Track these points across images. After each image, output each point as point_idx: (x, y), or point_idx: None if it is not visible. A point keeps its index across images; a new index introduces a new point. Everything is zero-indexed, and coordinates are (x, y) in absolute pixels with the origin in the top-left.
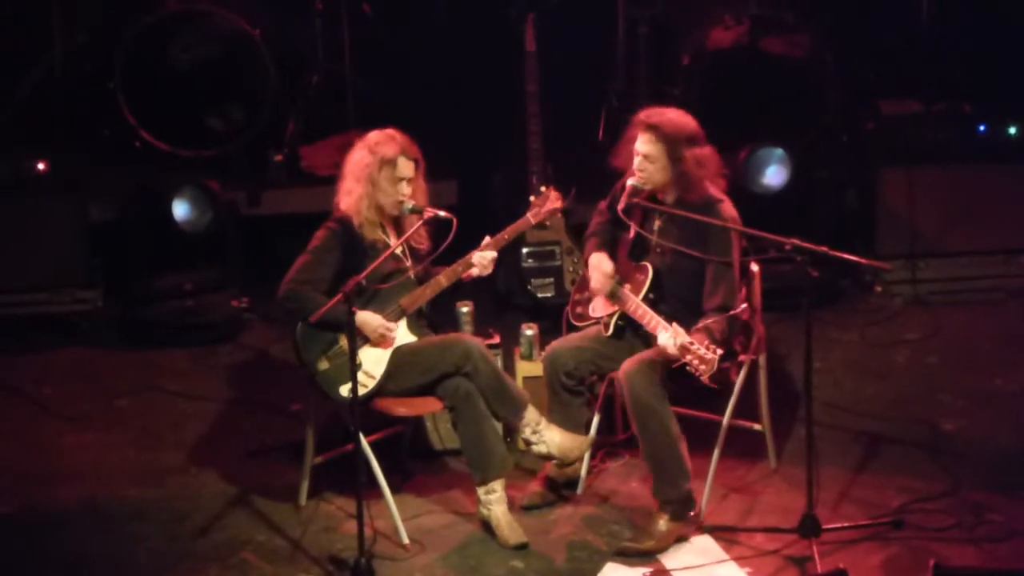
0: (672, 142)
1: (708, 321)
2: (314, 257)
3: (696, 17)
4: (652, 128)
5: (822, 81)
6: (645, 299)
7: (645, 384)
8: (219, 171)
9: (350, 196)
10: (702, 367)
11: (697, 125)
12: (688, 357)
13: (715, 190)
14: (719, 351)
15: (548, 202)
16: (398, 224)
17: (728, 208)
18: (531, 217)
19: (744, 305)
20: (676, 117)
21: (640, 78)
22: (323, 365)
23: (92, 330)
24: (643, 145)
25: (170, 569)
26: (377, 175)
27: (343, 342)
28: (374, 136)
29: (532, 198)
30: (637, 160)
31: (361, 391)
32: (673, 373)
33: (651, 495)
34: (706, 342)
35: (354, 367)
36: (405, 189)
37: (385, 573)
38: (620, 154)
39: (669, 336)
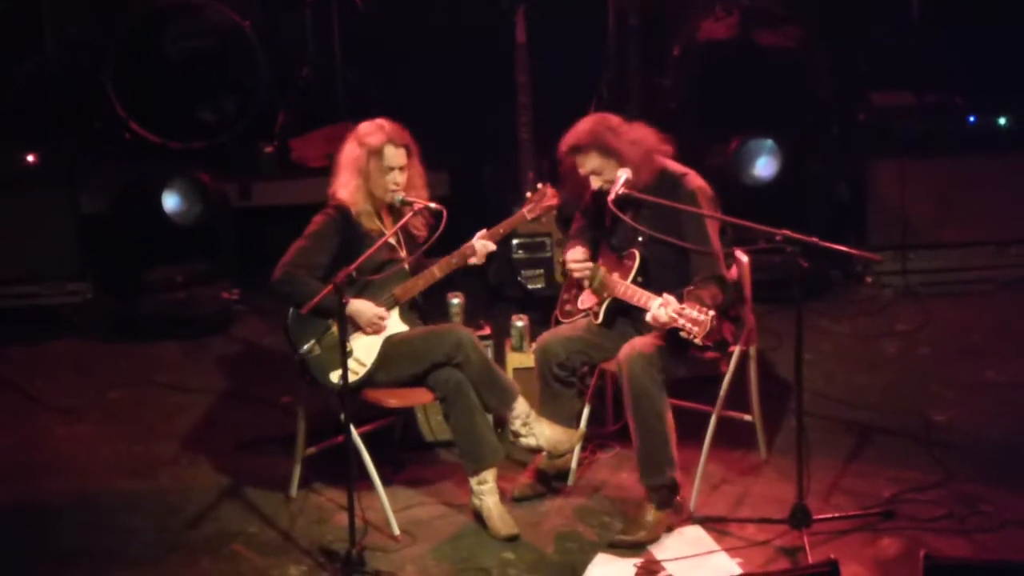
0: (600, 146)
1: (697, 288)
2: (311, 242)
3: (686, 9)
4: (576, 149)
5: (813, 72)
6: (634, 283)
7: (644, 368)
8: (210, 163)
9: (347, 188)
10: (695, 328)
11: (607, 115)
12: (681, 322)
13: (671, 163)
14: (711, 312)
15: (545, 199)
16: (395, 213)
17: (693, 179)
18: (527, 212)
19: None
20: (586, 124)
21: (630, 70)
22: (315, 351)
23: (83, 322)
24: (583, 166)
25: (161, 561)
26: (367, 166)
27: (335, 329)
28: (363, 127)
29: (528, 194)
30: (592, 180)
31: (352, 377)
32: (672, 349)
33: (639, 482)
34: (697, 306)
35: (344, 357)
36: (396, 177)
37: (376, 564)
38: (566, 187)
39: (659, 304)
